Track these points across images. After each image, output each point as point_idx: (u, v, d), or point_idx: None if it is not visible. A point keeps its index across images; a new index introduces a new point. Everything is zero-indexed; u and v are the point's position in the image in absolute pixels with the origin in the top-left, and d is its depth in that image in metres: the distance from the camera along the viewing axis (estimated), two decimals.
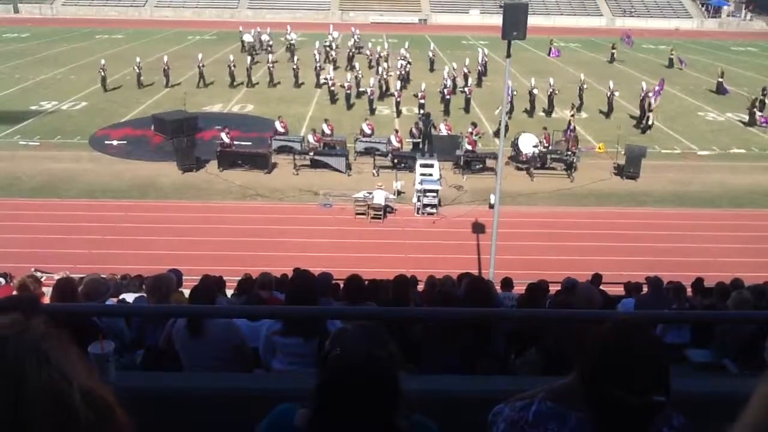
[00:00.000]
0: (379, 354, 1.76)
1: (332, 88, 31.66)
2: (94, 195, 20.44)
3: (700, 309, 8.20)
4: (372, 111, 29.77)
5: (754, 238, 17.88)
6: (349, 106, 30.98)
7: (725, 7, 73.69)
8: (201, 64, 34.88)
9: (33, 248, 16.12)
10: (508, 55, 14.03)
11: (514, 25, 12.62)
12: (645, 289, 11.04)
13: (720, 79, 35.67)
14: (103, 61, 34.59)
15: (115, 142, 25.49)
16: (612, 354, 1.78)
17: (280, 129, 24.38)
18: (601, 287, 10.42)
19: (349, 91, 31.14)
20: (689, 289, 10.29)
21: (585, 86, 30.38)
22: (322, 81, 34.06)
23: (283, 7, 70.14)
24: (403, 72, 34.53)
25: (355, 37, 44.31)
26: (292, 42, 43.38)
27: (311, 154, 22.83)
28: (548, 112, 30.04)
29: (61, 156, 23.83)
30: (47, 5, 69.67)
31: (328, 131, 24.17)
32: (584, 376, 1.83)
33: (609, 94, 29.95)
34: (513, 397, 2.08)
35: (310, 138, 23.15)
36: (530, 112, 29.95)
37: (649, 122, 27.42)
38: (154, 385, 3.19)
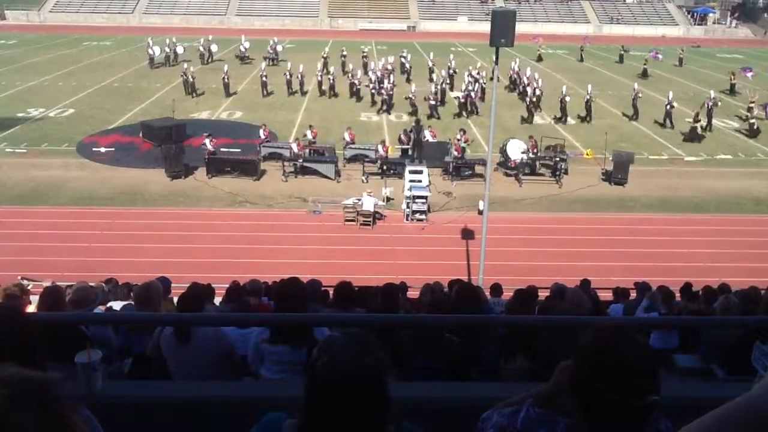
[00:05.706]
0: (368, 362, 1.74)
1: (413, 99, 31.17)
2: (81, 202, 20.29)
3: (687, 314, 8.25)
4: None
5: (741, 243, 18.03)
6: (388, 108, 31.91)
7: (711, 15, 74.49)
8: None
9: (20, 256, 15.99)
10: (496, 62, 14.12)
11: (503, 31, 12.68)
12: (633, 294, 11.11)
13: (644, 66, 41.98)
14: (185, 65, 36.08)
15: (103, 149, 25.35)
16: (604, 357, 1.79)
17: (263, 137, 24.34)
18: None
19: (374, 91, 32.47)
20: (678, 294, 10.33)
21: (568, 98, 30.39)
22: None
23: (272, 14, 70.19)
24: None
25: (242, 45, 43.99)
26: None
27: (300, 160, 22.81)
28: (583, 118, 30.60)
29: (49, 163, 23.66)
30: (35, 12, 69.32)
31: (311, 137, 24.16)
32: (575, 381, 1.84)
33: (587, 98, 30.30)
34: (501, 403, 2.08)
35: (294, 147, 23.12)
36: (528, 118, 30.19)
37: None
38: (142, 393, 3.17)
